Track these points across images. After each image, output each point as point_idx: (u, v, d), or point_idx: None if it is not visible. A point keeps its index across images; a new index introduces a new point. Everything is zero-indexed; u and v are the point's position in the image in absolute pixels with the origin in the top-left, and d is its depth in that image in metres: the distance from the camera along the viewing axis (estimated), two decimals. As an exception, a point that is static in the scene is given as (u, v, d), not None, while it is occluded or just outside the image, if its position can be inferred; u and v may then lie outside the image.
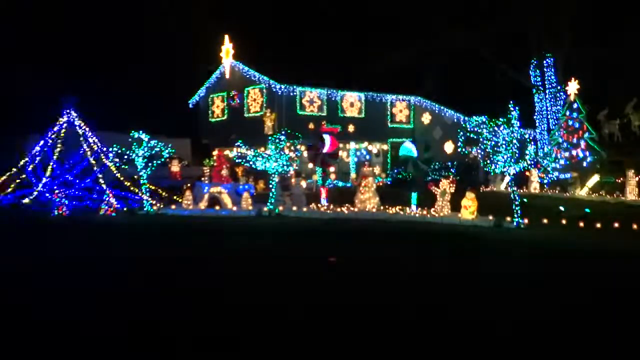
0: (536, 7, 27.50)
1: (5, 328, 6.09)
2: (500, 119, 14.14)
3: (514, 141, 14.05)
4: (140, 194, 17.31)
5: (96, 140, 18.47)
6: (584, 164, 22.43)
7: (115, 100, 33.68)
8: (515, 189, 14.55)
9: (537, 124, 27.20)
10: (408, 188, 16.99)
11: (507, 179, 16.67)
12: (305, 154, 20.63)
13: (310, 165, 23.93)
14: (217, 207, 17.04)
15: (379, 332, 6.05)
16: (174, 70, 36.44)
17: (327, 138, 19.11)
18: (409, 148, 17.86)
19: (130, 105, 34.20)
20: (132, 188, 17.85)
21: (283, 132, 17.04)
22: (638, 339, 5.95)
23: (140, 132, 16.84)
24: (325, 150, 18.84)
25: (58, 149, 18.15)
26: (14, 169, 18.03)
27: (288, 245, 11.94)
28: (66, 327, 6.15)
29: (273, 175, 16.69)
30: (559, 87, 26.00)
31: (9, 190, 17.61)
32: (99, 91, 31.06)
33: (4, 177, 18.03)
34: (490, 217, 14.57)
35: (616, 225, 13.79)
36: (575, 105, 23.04)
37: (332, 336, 5.94)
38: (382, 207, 16.57)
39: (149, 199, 17.06)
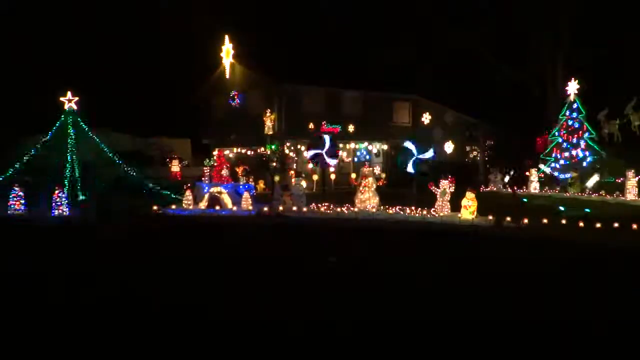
0: (536, 7, 27.51)
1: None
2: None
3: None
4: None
5: (96, 140, 18.48)
6: (584, 164, 22.41)
7: (115, 100, 33.74)
8: (515, 189, 14.56)
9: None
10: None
11: (507, 179, 16.69)
12: (305, 154, 20.62)
13: (310, 166, 23.93)
14: (217, 207, 17.06)
15: (379, 333, 6.07)
16: (174, 70, 36.51)
17: (326, 138, 19.14)
18: (409, 148, 17.89)
19: (130, 106, 34.28)
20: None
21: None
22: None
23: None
24: (325, 150, 18.87)
25: (58, 149, 18.16)
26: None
27: (288, 245, 11.95)
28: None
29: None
30: (559, 87, 26.01)
31: None
32: (100, 91, 31.10)
33: None
34: (490, 217, 14.59)
35: (616, 225, 13.79)
36: (575, 105, 23.04)
37: (331, 337, 5.96)
38: (382, 207, 16.59)
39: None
